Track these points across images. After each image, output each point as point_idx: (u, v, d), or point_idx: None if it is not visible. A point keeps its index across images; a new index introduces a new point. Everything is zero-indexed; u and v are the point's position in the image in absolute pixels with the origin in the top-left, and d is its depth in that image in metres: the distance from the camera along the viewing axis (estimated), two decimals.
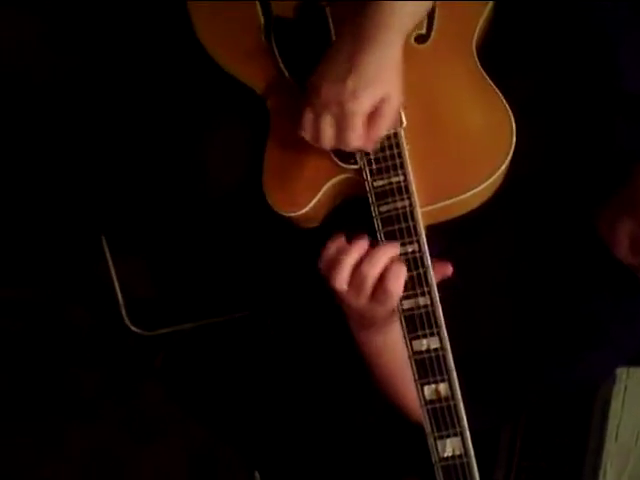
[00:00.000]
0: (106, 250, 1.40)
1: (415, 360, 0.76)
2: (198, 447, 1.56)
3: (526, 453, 1.31)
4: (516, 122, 0.83)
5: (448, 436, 0.75)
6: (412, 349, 0.77)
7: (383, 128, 0.82)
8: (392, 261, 0.76)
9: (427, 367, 0.76)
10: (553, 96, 0.92)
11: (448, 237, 0.87)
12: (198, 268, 1.40)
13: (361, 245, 0.76)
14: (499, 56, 0.89)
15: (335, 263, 0.76)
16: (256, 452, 1.28)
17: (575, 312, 0.90)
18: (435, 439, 0.75)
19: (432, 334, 0.76)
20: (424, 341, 0.76)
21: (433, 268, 0.78)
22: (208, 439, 1.55)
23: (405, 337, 0.77)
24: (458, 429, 0.75)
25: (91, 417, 1.46)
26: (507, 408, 0.97)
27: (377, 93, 0.79)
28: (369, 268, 0.75)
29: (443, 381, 0.75)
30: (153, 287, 1.50)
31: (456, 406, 0.75)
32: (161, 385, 1.43)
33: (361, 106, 0.79)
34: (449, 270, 0.79)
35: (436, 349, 0.76)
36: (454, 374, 0.75)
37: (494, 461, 1.28)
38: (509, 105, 0.84)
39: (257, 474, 1.56)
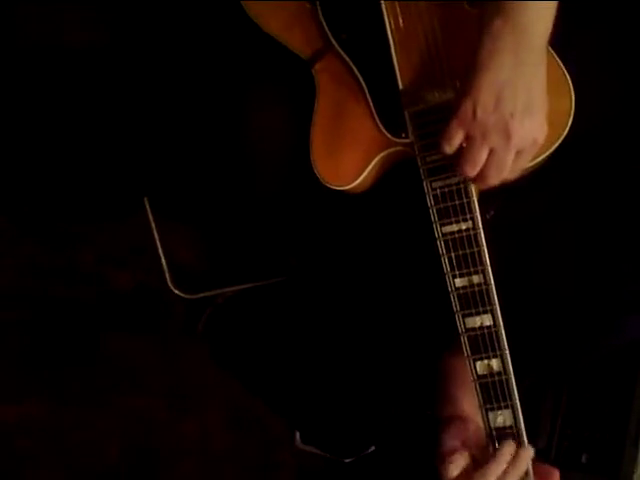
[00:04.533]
0: (149, 215, 1.41)
1: (468, 337, 0.76)
2: (239, 412, 1.60)
3: (569, 421, 1.31)
4: (576, 80, 0.80)
5: (499, 409, 0.76)
6: (465, 326, 0.76)
7: (526, 162, 0.77)
8: None
9: (480, 344, 0.76)
10: (616, 52, 0.89)
11: (500, 198, 0.85)
12: (240, 233, 1.40)
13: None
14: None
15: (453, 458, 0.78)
16: (296, 413, 1.30)
17: (622, 273, 0.89)
18: (486, 411, 0.76)
19: (485, 312, 0.76)
20: (477, 318, 0.76)
21: (536, 474, 0.78)
22: (249, 404, 1.58)
23: (458, 314, 0.77)
24: (509, 402, 0.76)
25: (135, 382, 1.49)
26: (553, 371, 0.97)
27: (541, 127, 0.75)
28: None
29: (496, 357, 0.76)
30: (195, 252, 1.51)
31: (508, 381, 0.76)
32: (204, 349, 1.45)
33: (526, 141, 0.74)
34: (556, 476, 0.80)
35: (489, 326, 0.76)
36: (507, 350, 0.76)
37: (537, 428, 1.28)
38: (570, 63, 0.81)
39: (298, 435, 1.59)
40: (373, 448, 1.49)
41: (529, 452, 0.77)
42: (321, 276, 1.15)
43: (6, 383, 1.41)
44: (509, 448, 0.76)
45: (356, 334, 1.05)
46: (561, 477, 0.81)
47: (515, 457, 0.75)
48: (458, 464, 0.76)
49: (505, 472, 0.75)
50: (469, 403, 0.84)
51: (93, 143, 1.40)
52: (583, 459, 1.33)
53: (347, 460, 1.49)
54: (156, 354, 1.50)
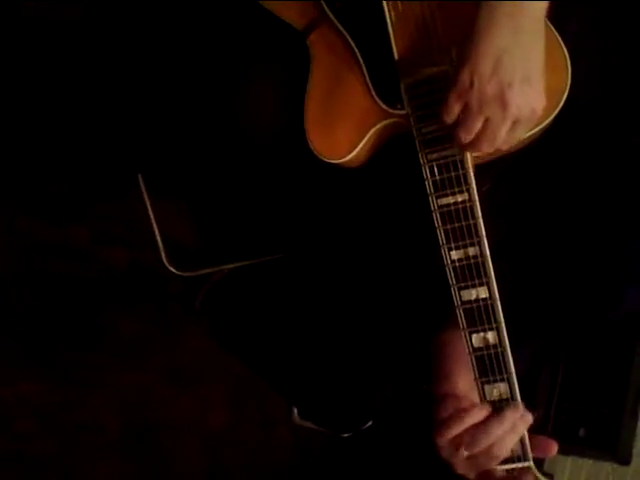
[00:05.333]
0: (144, 192, 1.40)
1: (464, 309, 0.76)
2: (237, 389, 1.61)
3: (566, 395, 1.32)
4: (573, 53, 0.79)
5: (495, 381, 0.76)
6: (460, 299, 0.76)
7: (523, 133, 0.77)
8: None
9: (475, 316, 0.76)
10: (614, 24, 0.88)
11: (496, 171, 0.85)
12: (235, 210, 1.40)
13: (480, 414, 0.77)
14: None
15: (451, 421, 0.77)
16: (293, 388, 1.30)
17: (620, 245, 0.88)
18: (482, 384, 0.76)
19: (481, 284, 0.75)
20: (473, 291, 0.76)
21: (534, 446, 0.78)
22: (247, 381, 1.58)
23: (453, 287, 0.76)
24: (505, 375, 0.75)
25: (132, 359, 1.49)
26: (549, 345, 0.97)
27: (540, 97, 0.74)
28: (483, 437, 0.75)
29: (492, 329, 0.75)
30: (191, 229, 1.50)
31: (504, 353, 0.76)
32: (201, 326, 1.45)
33: (523, 111, 0.74)
34: (554, 449, 0.79)
35: (485, 299, 0.75)
36: (503, 323, 0.75)
37: (534, 402, 1.28)
38: (567, 36, 0.80)
39: (295, 411, 1.59)
40: (370, 423, 1.50)
41: (527, 417, 0.77)
42: (317, 251, 1.15)
43: (1, 363, 1.40)
44: (507, 413, 0.76)
45: (352, 309, 1.05)
46: (559, 451, 0.81)
47: (513, 422, 0.75)
48: (453, 429, 0.76)
49: (502, 436, 0.75)
50: (464, 381, 0.83)
51: (86, 118, 1.39)
52: (581, 433, 1.33)
53: (345, 435, 1.50)
54: (153, 331, 1.50)
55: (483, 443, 0.75)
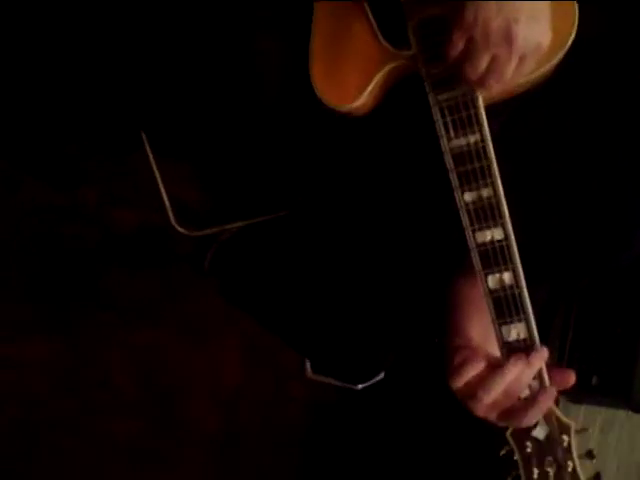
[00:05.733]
0: (148, 151, 1.39)
1: (479, 252, 0.75)
2: (249, 347, 1.61)
3: (578, 343, 1.32)
4: None
5: (512, 322, 0.75)
6: (475, 241, 0.75)
7: (529, 68, 0.76)
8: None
9: (491, 258, 0.75)
10: None
11: (508, 112, 0.83)
12: (240, 167, 1.38)
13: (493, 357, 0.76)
14: None
15: (464, 366, 0.76)
16: (306, 340, 1.30)
17: (633, 186, 0.87)
18: (499, 325, 0.75)
19: (496, 225, 0.74)
20: (487, 233, 0.75)
21: (552, 378, 0.77)
22: (259, 338, 1.59)
23: (467, 230, 0.75)
24: (522, 315, 0.75)
25: (143, 319, 1.50)
26: (561, 289, 0.97)
27: (546, 32, 0.73)
28: (499, 380, 0.75)
29: (508, 270, 0.74)
30: (198, 189, 1.50)
31: (520, 294, 0.75)
32: (211, 286, 1.45)
33: (529, 45, 0.73)
34: (571, 379, 0.78)
35: (500, 240, 0.74)
36: (519, 263, 0.74)
37: None
38: None
39: (308, 365, 1.60)
40: (383, 376, 1.50)
41: (544, 352, 0.76)
42: (325, 203, 1.14)
43: (14, 323, 1.41)
44: (523, 352, 0.76)
45: (363, 259, 1.04)
46: (573, 400, 0.81)
47: (530, 358, 0.75)
48: (467, 374, 0.76)
49: (519, 375, 0.75)
50: (478, 332, 0.83)
51: (90, 74, 1.37)
52: (594, 381, 1.33)
53: (359, 387, 1.50)
54: (163, 292, 1.50)
55: (499, 386, 0.74)
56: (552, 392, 0.77)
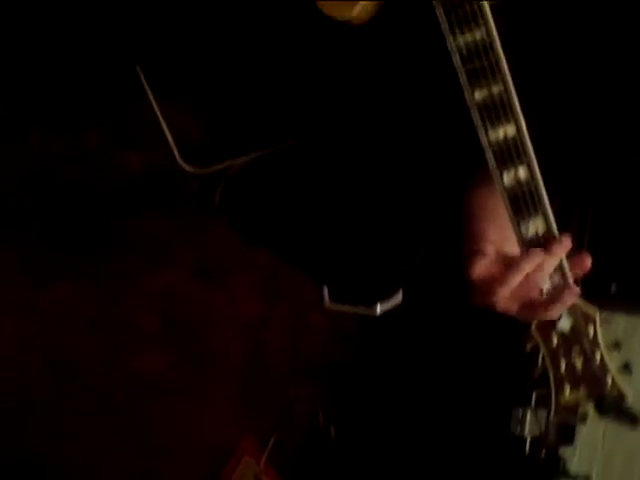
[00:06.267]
0: (149, 92, 1.37)
1: (492, 150, 0.74)
2: (266, 281, 1.62)
3: (595, 250, 1.31)
4: None
5: (530, 217, 0.75)
6: (488, 139, 0.74)
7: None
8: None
9: (505, 154, 0.74)
10: None
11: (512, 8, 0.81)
12: (243, 98, 1.36)
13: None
14: None
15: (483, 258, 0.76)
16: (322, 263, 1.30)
17: None
18: (518, 223, 0.75)
19: (508, 121, 0.73)
20: (500, 130, 0.74)
21: (571, 264, 0.77)
22: (275, 272, 1.59)
23: (479, 129, 0.74)
24: (540, 209, 0.74)
25: (157, 259, 1.50)
26: (574, 192, 0.96)
27: None
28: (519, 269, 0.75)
29: (522, 164, 0.74)
30: (201, 127, 1.48)
31: (537, 187, 0.74)
32: (223, 223, 1.45)
33: None
34: (588, 262, 0.78)
35: (513, 136, 0.73)
36: (533, 156, 0.73)
37: None
38: None
39: (326, 294, 1.60)
40: (400, 299, 1.51)
41: (565, 241, 0.76)
42: (334, 118, 1.12)
43: (32, 272, 1.42)
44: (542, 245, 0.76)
45: (375, 177, 1.03)
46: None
47: (550, 247, 0.75)
48: (485, 249, 0.76)
49: (540, 265, 0.74)
50: (496, 235, 0.82)
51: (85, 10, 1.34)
52: (612, 289, 1.33)
53: (377, 313, 1.51)
54: (176, 233, 1.50)
55: (515, 277, 0.74)
56: (575, 290, 0.77)
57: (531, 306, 0.76)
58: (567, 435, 1.83)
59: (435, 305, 1.84)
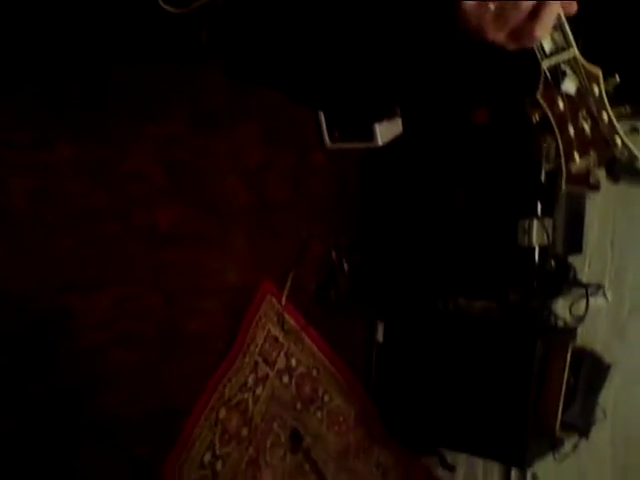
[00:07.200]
0: None
1: None
2: (266, 126, 1.59)
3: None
4: None
5: None
6: None
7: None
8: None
9: None
10: None
11: None
12: None
13: None
14: None
15: None
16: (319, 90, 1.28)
17: None
18: None
19: None
20: None
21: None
22: (274, 117, 1.57)
23: None
24: None
25: (158, 110, 1.47)
26: None
27: None
28: None
29: None
30: None
31: None
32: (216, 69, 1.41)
33: None
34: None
35: None
36: None
37: None
38: None
39: (326, 135, 1.59)
40: (401, 130, 1.48)
41: None
42: None
43: (34, 132, 1.38)
44: None
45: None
46: None
47: None
48: None
49: None
50: None
51: None
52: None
53: (379, 144, 1.50)
54: (169, 85, 1.47)
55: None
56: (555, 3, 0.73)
57: (517, 33, 0.73)
58: (575, 244, 1.87)
59: (436, 127, 1.82)
